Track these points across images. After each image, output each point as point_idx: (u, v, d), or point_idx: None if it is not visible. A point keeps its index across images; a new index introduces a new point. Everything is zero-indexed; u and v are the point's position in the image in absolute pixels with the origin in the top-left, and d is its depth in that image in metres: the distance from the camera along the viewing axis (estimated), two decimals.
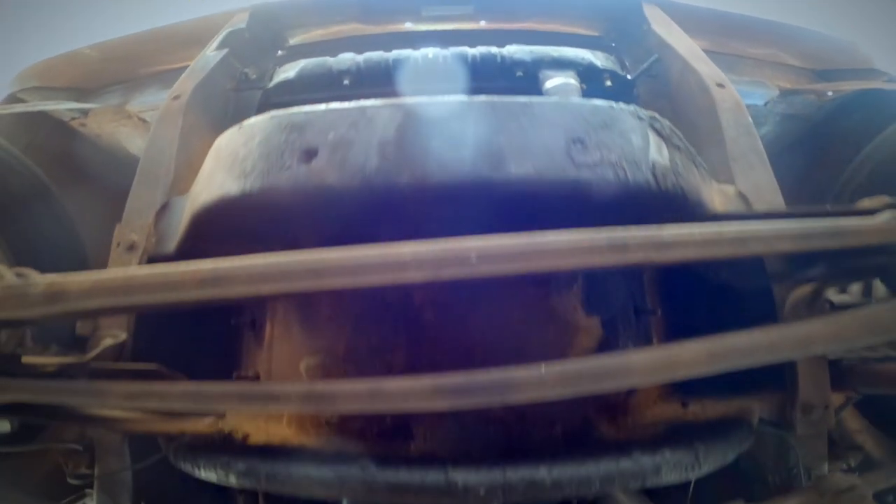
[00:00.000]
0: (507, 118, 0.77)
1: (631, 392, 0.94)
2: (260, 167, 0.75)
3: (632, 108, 0.81)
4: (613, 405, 0.93)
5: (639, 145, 0.75)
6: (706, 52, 1.40)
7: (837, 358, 0.91)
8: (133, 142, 1.85)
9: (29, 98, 1.78)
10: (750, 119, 1.15)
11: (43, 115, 1.76)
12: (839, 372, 0.90)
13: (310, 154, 0.75)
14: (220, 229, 0.85)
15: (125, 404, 0.70)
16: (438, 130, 0.76)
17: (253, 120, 0.85)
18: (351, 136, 0.75)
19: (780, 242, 0.67)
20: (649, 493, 1.09)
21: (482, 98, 0.79)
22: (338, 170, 0.72)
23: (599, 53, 1.47)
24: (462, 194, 0.71)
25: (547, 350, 0.92)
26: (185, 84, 1.33)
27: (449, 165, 0.71)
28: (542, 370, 0.57)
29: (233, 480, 0.77)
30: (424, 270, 0.58)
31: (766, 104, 1.58)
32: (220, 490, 1.14)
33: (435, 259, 0.58)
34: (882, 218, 0.77)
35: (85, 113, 1.77)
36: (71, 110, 1.75)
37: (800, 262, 0.79)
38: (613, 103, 0.81)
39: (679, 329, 1.03)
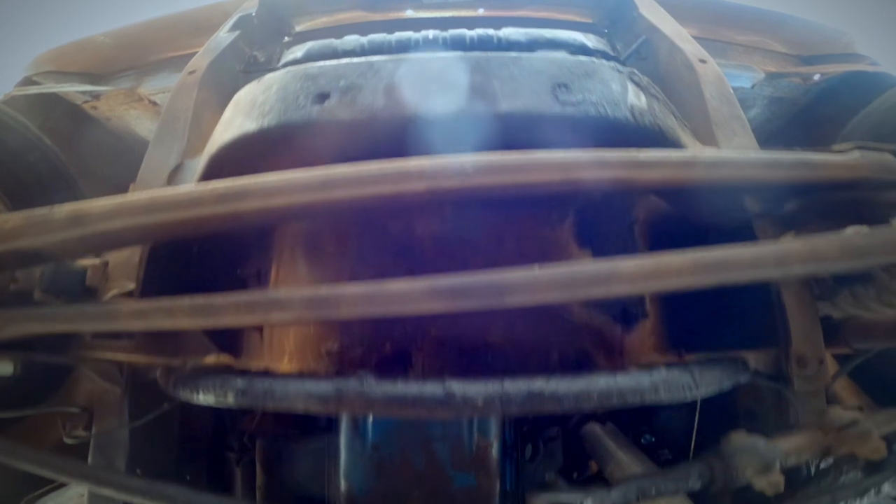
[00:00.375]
0: (500, 67, 0.86)
1: (626, 333, 1.01)
2: (277, 108, 0.83)
3: (612, 63, 0.90)
4: (610, 345, 0.99)
5: (618, 91, 0.84)
6: (696, 38, 1.50)
7: (828, 314, 0.97)
8: (142, 124, 1.94)
9: (43, 81, 1.88)
10: (731, 91, 1.24)
11: (56, 98, 1.87)
12: (831, 327, 0.94)
13: (322, 97, 0.84)
14: (236, 171, 0.93)
15: (135, 324, 0.73)
16: (439, 77, 0.85)
17: (270, 74, 0.94)
18: (360, 83, 0.84)
19: (751, 169, 0.75)
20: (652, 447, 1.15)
21: (477, 53, 0.88)
22: (348, 108, 0.80)
23: (591, 36, 1.58)
24: (460, 125, 0.79)
25: None
26: (201, 61, 1.43)
27: (448, 102, 0.80)
28: (536, 273, 0.63)
29: (231, 400, 0.78)
30: (425, 181, 0.65)
31: (752, 87, 1.68)
32: (215, 457, 1.19)
33: (434, 171, 0.66)
34: (851, 155, 0.85)
35: (97, 96, 1.87)
36: (84, 93, 1.85)
37: (776, 198, 0.85)
38: (595, 58, 0.90)
39: None
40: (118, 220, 0.73)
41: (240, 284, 1.14)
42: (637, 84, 0.89)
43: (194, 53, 1.62)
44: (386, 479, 0.95)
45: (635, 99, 0.84)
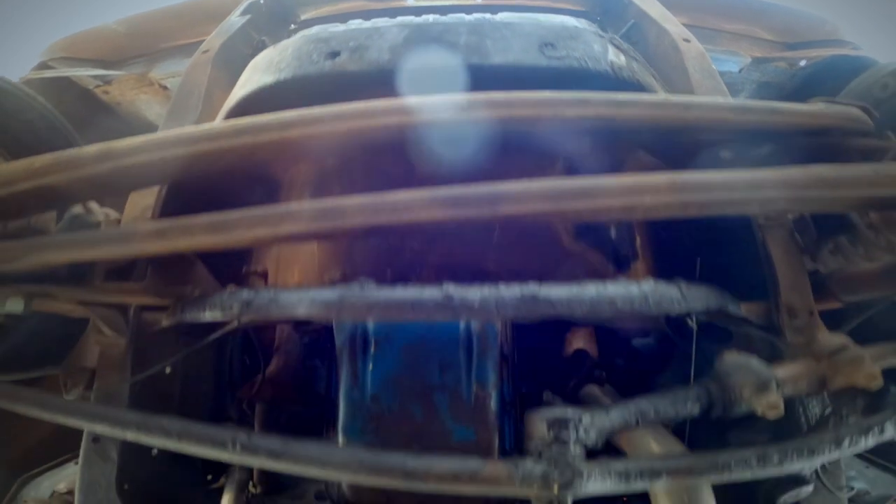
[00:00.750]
0: (493, 30, 0.97)
1: (618, 274, 1.08)
2: (293, 64, 0.94)
3: (595, 27, 1.01)
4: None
5: (599, 50, 0.95)
6: (685, 26, 1.62)
7: (815, 270, 1.04)
8: (151, 109, 2.06)
9: (57, 66, 1.99)
10: (714, 67, 1.35)
11: (69, 83, 1.98)
12: (819, 281, 0.99)
13: (334, 54, 0.95)
14: None
15: (153, 245, 0.77)
16: (439, 37, 0.96)
17: (284, 40, 1.05)
18: (367, 43, 0.96)
19: (721, 112, 0.84)
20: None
21: (472, 16, 0.99)
22: (357, 63, 0.91)
23: (583, 20, 1.69)
24: (456, 77, 0.89)
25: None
26: (214, 41, 1.55)
27: (446, 57, 0.90)
28: (527, 185, 0.70)
29: (236, 310, 0.81)
30: (425, 113, 0.75)
31: (740, 71, 1.79)
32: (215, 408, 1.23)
33: (433, 106, 0.76)
34: (816, 106, 0.94)
35: (108, 81, 1.98)
36: (96, 77, 1.97)
37: (748, 144, 0.94)
38: (578, 23, 1.01)
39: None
40: (144, 153, 0.82)
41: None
42: (617, 47, 0.99)
43: (203, 41, 1.74)
44: (384, 433, 0.99)
45: (615, 57, 0.95)
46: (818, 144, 0.95)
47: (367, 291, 0.76)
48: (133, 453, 0.98)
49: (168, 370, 1.06)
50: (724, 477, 0.70)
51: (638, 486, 0.68)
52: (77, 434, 0.98)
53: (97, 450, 0.97)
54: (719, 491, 0.76)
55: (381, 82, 0.90)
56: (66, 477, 1.51)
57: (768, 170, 0.79)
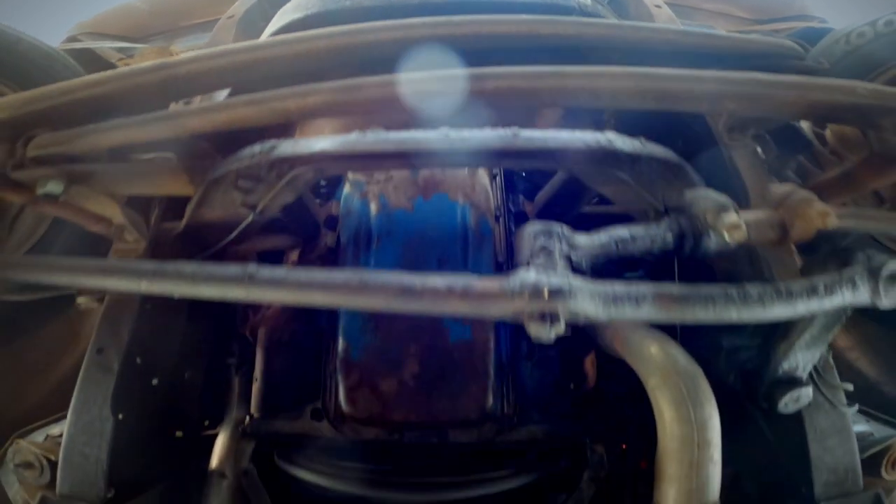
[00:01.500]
0: None
1: None
2: (318, 3, 1.18)
3: None
4: None
5: None
6: (667, 3, 1.87)
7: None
8: None
9: (84, 41, 2.24)
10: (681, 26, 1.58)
11: (94, 56, 2.22)
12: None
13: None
14: None
15: (196, 121, 0.92)
16: None
17: None
18: None
19: (665, 34, 1.06)
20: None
21: None
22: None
23: None
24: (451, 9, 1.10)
25: None
26: (238, 7, 1.80)
27: None
28: (509, 69, 0.88)
29: (258, 151, 0.92)
30: (422, 29, 0.98)
31: None
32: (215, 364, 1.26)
33: (424, 23, 0.98)
34: (751, 35, 1.17)
35: (131, 54, 2.23)
36: (120, 50, 2.22)
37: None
38: None
39: None
40: (195, 63, 1.02)
41: None
42: None
43: (219, 20, 1.99)
44: (383, 333, 1.08)
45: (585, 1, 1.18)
46: (757, 68, 1.17)
47: (379, 136, 0.93)
48: (133, 376, 1.02)
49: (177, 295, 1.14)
50: (709, 312, 0.74)
51: (626, 311, 0.72)
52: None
53: (100, 361, 1.00)
54: (719, 393, 0.79)
55: (391, 16, 1.11)
56: (60, 424, 1.60)
57: (713, 70, 0.98)
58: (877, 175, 1.13)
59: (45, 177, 1.02)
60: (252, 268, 0.77)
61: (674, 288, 0.73)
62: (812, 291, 0.76)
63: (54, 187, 1.02)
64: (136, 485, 0.99)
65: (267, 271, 0.77)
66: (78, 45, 2.17)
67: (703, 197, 0.81)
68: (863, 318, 1.74)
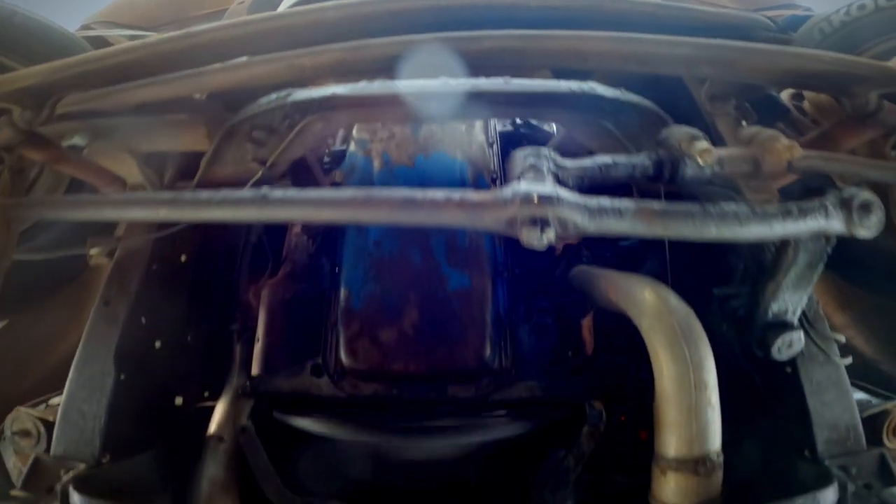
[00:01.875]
0: None
1: None
2: None
3: None
4: None
5: None
6: None
7: None
8: None
9: (97, 29, 2.35)
10: None
11: (105, 42, 2.33)
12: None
13: None
14: None
15: (219, 77, 1.04)
16: None
17: None
18: None
19: (645, 7, 1.16)
20: None
21: None
22: None
23: None
24: None
25: None
26: None
27: None
28: (504, 31, 0.97)
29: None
30: None
31: None
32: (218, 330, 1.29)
33: None
34: (722, 10, 1.27)
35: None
36: (130, 38, 2.33)
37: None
38: None
39: None
40: (220, 31, 1.13)
41: None
42: None
43: (226, 10, 2.11)
44: (384, 282, 1.13)
45: None
46: (730, 38, 1.26)
47: (384, 83, 1.04)
48: (138, 335, 1.05)
49: (184, 258, 1.22)
50: (689, 227, 0.77)
51: (610, 223, 0.75)
52: None
53: (106, 313, 1.04)
54: (714, 351, 0.82)
55: None
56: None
57: (688, 38, 1.08)
58: (851, 135, 1.22)
59: (71, 130, 1.13)
60: (265, 190, 0.84)
61: (655, 204, 0.78)
62: (787, 213, 0.80)
63: (79, 140, 1.14)
64: (131, 448, 1.00)
65: (279, 192, 0.83)
66: (90, 33, 2.29)
67: (678, 130, 0.90)
68: (857, 296, 1.82)
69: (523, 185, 0.77)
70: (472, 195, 0.80)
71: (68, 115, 1.11)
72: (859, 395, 1.12)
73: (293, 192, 0.85)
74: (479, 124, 1.29)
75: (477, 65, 0.99)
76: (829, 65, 1.12)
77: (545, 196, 0.74)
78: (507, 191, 0.77)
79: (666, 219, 0.77)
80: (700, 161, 0.84)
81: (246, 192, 0.86)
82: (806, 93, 1.42)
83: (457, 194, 0.80)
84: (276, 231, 1.47)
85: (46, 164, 1.23)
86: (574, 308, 1.24)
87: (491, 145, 1.35)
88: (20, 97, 1.15)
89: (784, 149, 0.87)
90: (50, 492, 0.91)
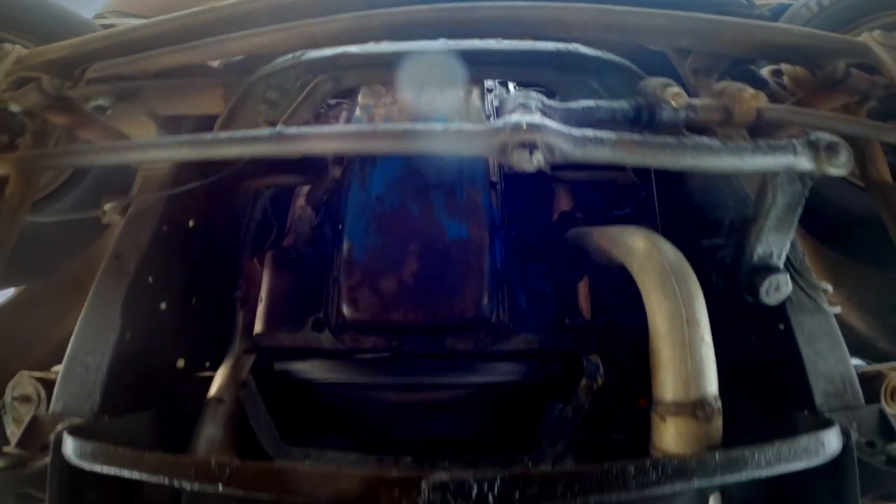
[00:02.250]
0: None
1: None
2: None
3: None
4: None
5: None
6: None
7: None
8: None
9: (110, 18, 2.48)
10: None
11: None
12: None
13: None
14: None
15: (237, 45, 1.16)
16: None
17: None
18: None
19: None
20: None
21: None
22: None
23: None
24: None
25: None
26: None
27: None
28: (495, 3, 1.10)
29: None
30: None
31: None
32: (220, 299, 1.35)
33: None
34: None
35: None
36: None
37: None
38: None
39: None
40: (239, 6, 1.26)
41: None
42: None
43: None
44: (385, 233, 1.17)
45: None
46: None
47: (390, 44, 1.14)
48: (145, 293, 1.07)
49: (191, 223, 1.27)
50: (666, 156, 0.81)
51: (592, 150, 0.81)
52: None
53: (117, 266, 1.06)
54: (707, 288, 0.84)
55: None
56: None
57: (666, 10, 1.21)
58: (822, 102, 1.33)
59: (97, 93, 1.24)
60: (281, 127, 0.94)
61: (634, 135, 0.84)
62: (756, 149, 0.84)
63: (104, 101, 1.24)
64: (130, 408, 1.00)
65: (293, 129, 0.91)
66: (103, 21, 2.41)
67: (653, 80, 1.00)
68: (851, 272, 1.86)
69: (513, 116, 0.84)
70: (467, 126, 0.87)
71: (95, 79, 1.23)
72: (856, 362, 1.08)
73: (306, 128, 0.94)
74: (475, 93, 1.39)
75: (470, 33, 1.10)
76: (798, 37, 1.24)
77: (533, 124, 0.81)
78: (499, 121, 0.85)
79: (645, 148, 0.82)
80: (673, 103, 0.92)
81: (262, 130, 0.93)
82: (784, 67, 1.53)
83: (454, 126, 0.86)
84: (281, 204, 1.54)
85: (69, 128, 1.33)
86: (571, 272, 1.30)
87: (488, 117, 1.46)
88: (49, 67, 1.27)
89: (751, 98, 0.96)
90: (44, 449, 0.85)
